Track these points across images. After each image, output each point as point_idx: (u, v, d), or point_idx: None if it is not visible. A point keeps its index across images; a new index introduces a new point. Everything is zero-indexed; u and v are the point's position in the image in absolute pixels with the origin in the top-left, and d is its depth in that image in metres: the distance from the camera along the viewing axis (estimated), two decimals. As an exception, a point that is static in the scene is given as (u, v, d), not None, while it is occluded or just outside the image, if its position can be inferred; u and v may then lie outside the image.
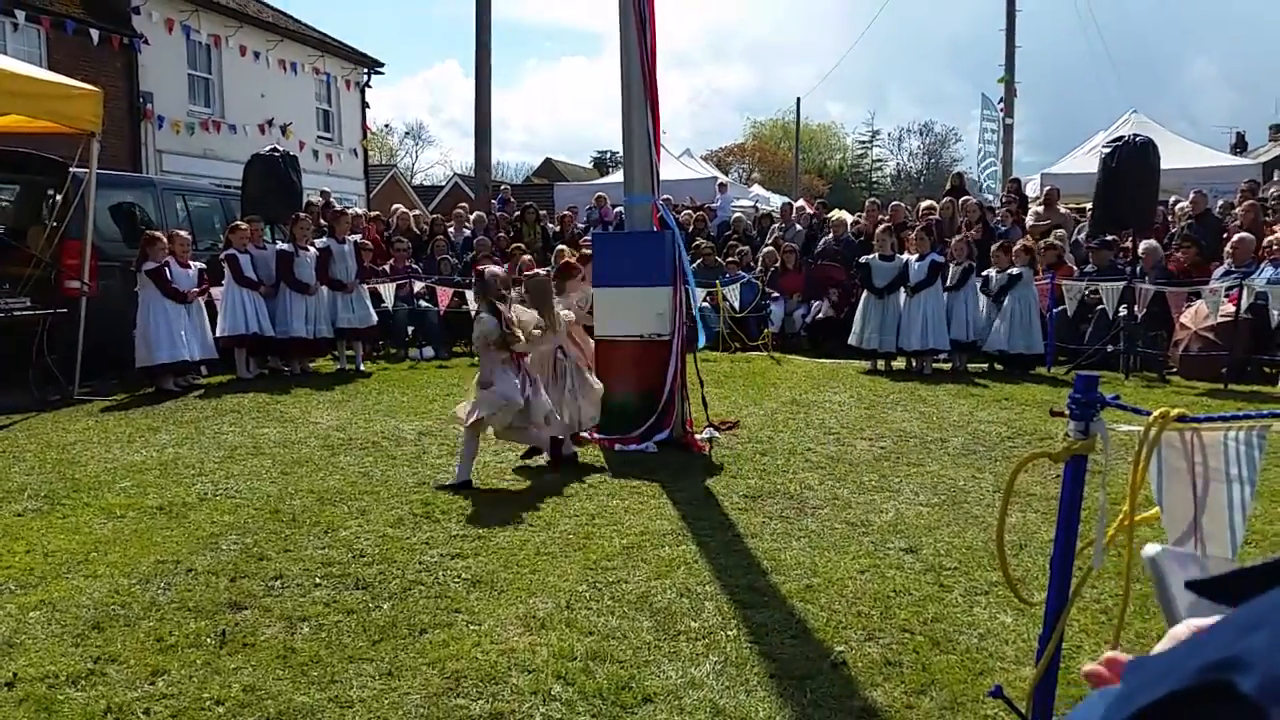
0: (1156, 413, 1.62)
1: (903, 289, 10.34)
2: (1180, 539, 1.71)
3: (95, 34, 18.30)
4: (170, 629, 3.65)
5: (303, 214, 11.25)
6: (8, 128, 9.45)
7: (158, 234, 9.51)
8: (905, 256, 10.54)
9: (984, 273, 10.72)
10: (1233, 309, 9.59)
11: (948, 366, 10.71)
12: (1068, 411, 1.81)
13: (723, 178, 24.17)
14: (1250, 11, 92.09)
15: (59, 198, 9.44)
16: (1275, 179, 23.51)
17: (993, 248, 10.92)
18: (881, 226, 11.59)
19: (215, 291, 10.37)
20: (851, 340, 10.62)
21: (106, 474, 6.09)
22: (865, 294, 10.53)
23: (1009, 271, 10.37)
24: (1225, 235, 11.29)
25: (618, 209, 15.32)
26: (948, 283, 10.60)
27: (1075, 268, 11.87)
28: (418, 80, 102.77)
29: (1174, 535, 1.70)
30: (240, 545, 4.65)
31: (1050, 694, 2.00)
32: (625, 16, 6.88)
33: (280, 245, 10.54)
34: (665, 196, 7.37)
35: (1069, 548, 1.85)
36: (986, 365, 10.59)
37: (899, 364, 10.59)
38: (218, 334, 9.95)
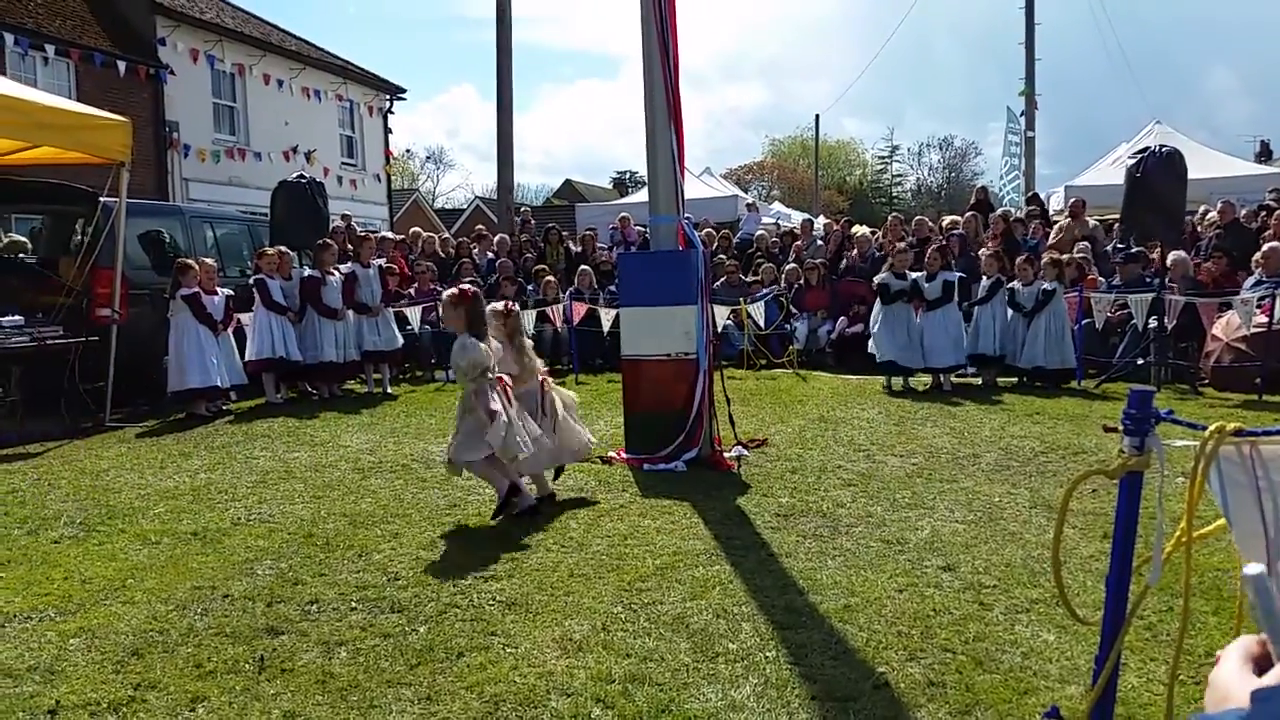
0: (1213, 427, 1.60)
1: (914, 306, 10.26)
2: (1254, 554, 1.67)
3: (122, 66, 18.63)
4: (209, 655, 3.65)
5: (330, 241, 11.36)
6: (40, 159, 9.61)
7: (191, 261, 9.62)
8: (914, 275, 10.43)
9: (1009, 285, 10.64)
10: (1265, 319, 9.48)
11: (978, 382, 10.63)
12: (1121, 427, 1.79)
13: (749, 197, 24.68)
14: (1269, 20, 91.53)
15: (89, 227, 9.56)
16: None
17: (1018, 260, 10.85)
18: (900, 245, 11.54)
19: (244, 318, 10.47)
20: (874, 348, 10.45)
21: (140, 500, 6.13)
22: (880, 310, 10.41)
23: (1043, 287, 10.28)
24: (1257, 244, 11.17)
25: (639, 228, 15.39)
26: (978, 295, 10.54)
27: (1102, 279, 11.79)
28: (433, 105, 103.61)
29: (1247, 551, 1.66)
30: (275, 570, 4.66)
31: (1108, 715, 1.97)
32: (648, 40, 6.92)
33: (308, 271, 10.60)
34: (686, 215, 7.37)
35: (1125, 566, 1.83)
36: (1016, 380, 10.49)
37: (919, 382, 10.47)
38: (246, 359, 10.04)
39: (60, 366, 8.77)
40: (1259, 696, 0.63)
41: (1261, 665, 0.72)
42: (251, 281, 10.28)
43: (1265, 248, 10.58)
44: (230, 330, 9.88)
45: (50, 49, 17.46)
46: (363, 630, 3.87)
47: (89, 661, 3.62)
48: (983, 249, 11.94)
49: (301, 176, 11.72)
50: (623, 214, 17.06)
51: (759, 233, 16.78)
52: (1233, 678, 0.71)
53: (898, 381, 10.33)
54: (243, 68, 22.09)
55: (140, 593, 4.38)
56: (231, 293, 10.02)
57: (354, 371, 10.95)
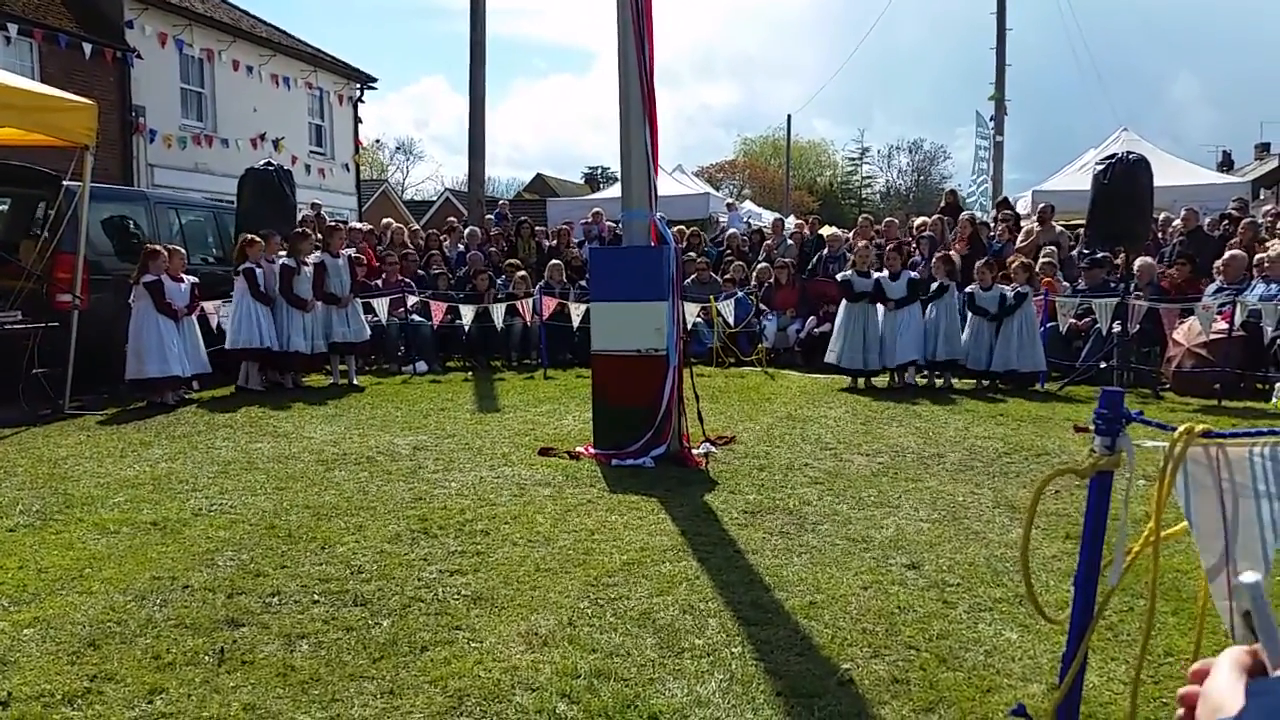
0: (1182, 428, 1.61)
1: (880, 305, 10.31)
2: (1211, 555, 1.69)
3: (88, 48, 18.30)
4: (167, 646, 3.60)
5: (307, 230, 11.26)
6: (1, 140, 9.41)
7: (158, 247, 9.48)
8: (877, 274, 10.48)
9: (968, 289, 10.68)
10: (1225, 326, 9.63)
11: (939, 383, 10.66)
12: (1093, 427, 1.80)
13: (729, 197, 25.29)
14: (1231, 34, 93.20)
15: (51, 211, 9.39)
16: (1263, 197, 23.76)
17: (978, 265, 10.85)
18: (861, 243, 11.60)
19: (207, 305, 10.34)
20: (829, 358, 10.56)
21: (99, 489, 6.03)
22: (843, 310, 10.48)
23: (1007, 290, 10.35)
24: (1219, 252, 11.35)
25: (610, 223, 15.36)
26: (924, 296, 10.58)
27: (1067, 284, 11.92)
28: (403, 95, 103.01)
29: (1205, 551, 1.68)
30: (236, 561, 4.60)
31: (1074, 714, 1.98)
32: (624, 35, 6.89)
33: (282, 260, 10.44)
34: (659, 213, 7.37)
35: (1093, 566, 1.84)
36: (975, 382, 10.54)
37: (880, 381, 10.55)
38: (228, 345, 9.95)
39: (19, 352, 8.60)
40: (1253, 690, 0.63)
41: (1254, 675, 0.72)
42: (239, 269, 10.14)
43: (1226, 255, 10.77)
44: (194, 317, 9.75)
45: (13, 28, 17.10)
46: (325, 623, 3.83)
47: (44, 652, 3.56)
48: (950, 251, 12.03)
49: (269, 164, 11.59)
50: (595, 209, 17.02)
51: (730, 231, 16.82)
52: (1227, 688, 0.71)
53: (861, 380, 10.41)
54: (212, 53, 21.79)
55: (98, 583, 4.30)
56: (197, 279, 9.87)
57: (321, 362, 10.84)
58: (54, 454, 7.11)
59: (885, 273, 10.43)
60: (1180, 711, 0.81)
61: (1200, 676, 0.78)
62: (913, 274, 10.46)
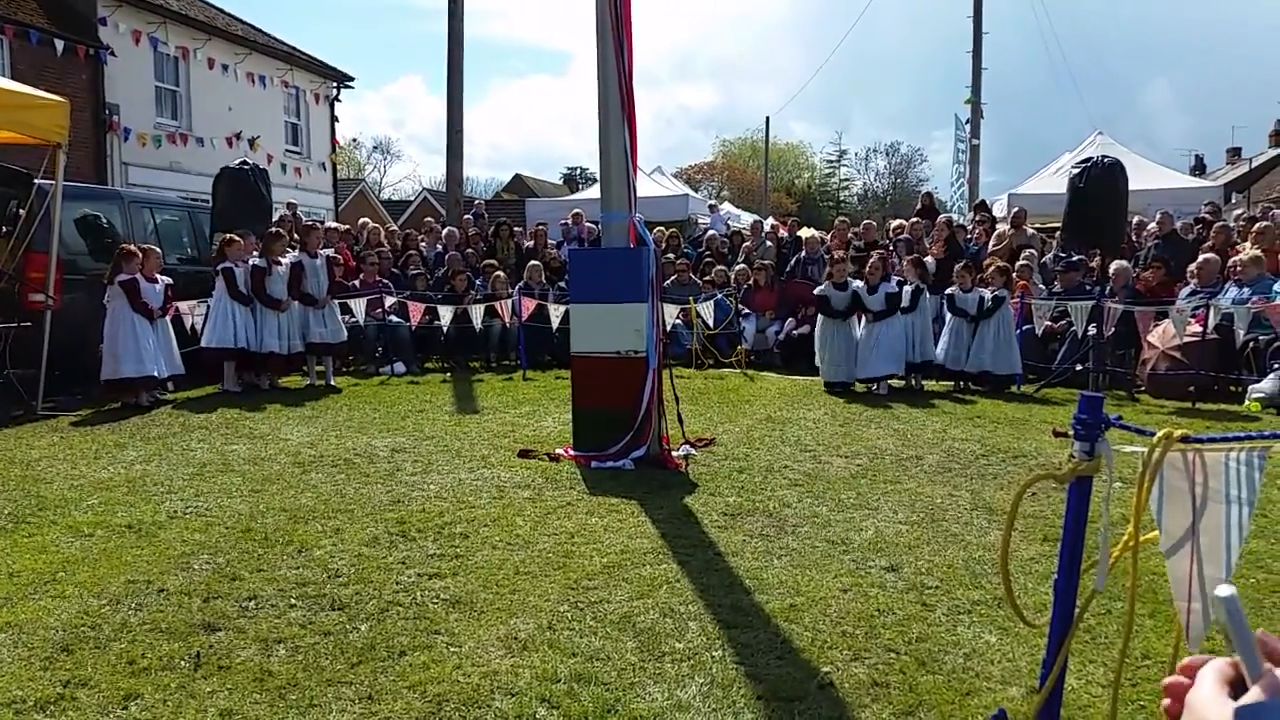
0: (1161, 433, 1.62)
1: (861, 316, 10.32)
2: (1176, 557, 1.70)
3: (60, 45, 18.10)
4: (142, 651, 3.56)
5: (281, 230, 11.18)
6: (-29, 138, 9.29)
7: (133, 247, 9.39)
8: (855, 284, 10.43)
9: (947, 291, 10.72)
10: (1199, 329, 9.73)
11: (913, 383, 10.68)
12: (1071, 432, 1.81)
13: (710, 199, 25.58)
14: (1205, 40, 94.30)
15: (23, 210, 9.28)
16: (1234, 200, 24.05)
17: (956, 268, 10.89)
18: (839, 253, 11.59)
19: (182, 306, 10.25)
20: (818, 363, 10.60)
21: (73, 491, 5.95)
22: (821, 321, 10.51)
23: (984, 294, 10.39)
24: (1194, 255, 11.46)
25: (590, 224, 15.35)
26: (902, 304, 10.58)
27: (1043, 287, 12.02)
28: (380, 95, 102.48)
29: (1170, 553, 1.70)
30: (212, 565, 4.56)
31: (1055, 718, 1.99)
32: (603, 36, 6.88)
33: (254, 260, 10.36)
34: (638, 214, 7.36)
35: (1073, 570, 1.85)
36: (952, 385, 10.61)
37: (858, 386, 10.57)
38: (204, 344, 9.87)
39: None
40: (1242, 715, 0.63)
41: (1236, 688, 0.73)
42: (218, 269, 10.05)
43: (1200, 259, 10.88)
44: (169, 318, 9.66)
45: (-16, 24, 16.92)
46: (302, 628, 3.79)
47: (16, 658, 3.51)
48: (927, 256, 12.09)
49: (245, 163, 11.50)
50: (575, 210, 17.01)
51: (710, 233, 16.84)
52: (1210, 702, 0.72)
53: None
54: (187, 51, 21.61)
55: (71, 586, 4.25)
56: (171, 280, 9.79)
57: (298, 363, 10.77)
58: (27, 456, 7.02)
59: (863, 284, 10.40)
60: (1167, 701, 0.82)
61: (1190, 671, 0.79)
62: (891, 286, 10.40)
